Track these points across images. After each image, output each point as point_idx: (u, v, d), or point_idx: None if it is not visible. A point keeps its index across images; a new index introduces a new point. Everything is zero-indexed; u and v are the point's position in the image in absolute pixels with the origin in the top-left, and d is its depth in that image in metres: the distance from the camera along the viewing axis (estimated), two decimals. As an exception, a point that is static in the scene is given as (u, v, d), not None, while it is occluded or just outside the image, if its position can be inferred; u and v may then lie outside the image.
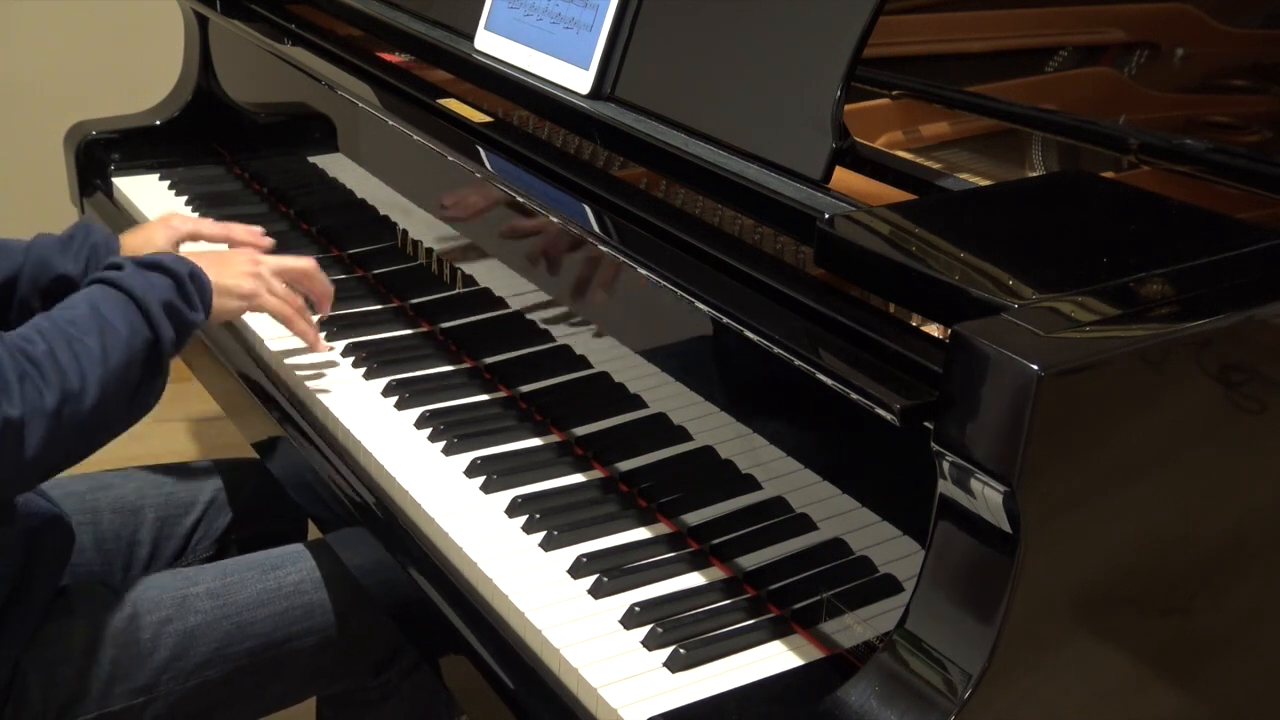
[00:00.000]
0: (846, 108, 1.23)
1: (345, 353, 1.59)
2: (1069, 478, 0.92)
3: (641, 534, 1.28)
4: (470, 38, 1.68)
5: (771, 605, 1.18)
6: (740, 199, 1.27)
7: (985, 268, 1.00)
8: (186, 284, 1.34)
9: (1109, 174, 1.41)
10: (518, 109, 1.59)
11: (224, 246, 1.63)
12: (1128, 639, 1.03)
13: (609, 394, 1.36)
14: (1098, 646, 1.00)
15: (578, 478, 1.36)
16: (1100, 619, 1.00)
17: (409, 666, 1.55)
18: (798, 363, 1.06)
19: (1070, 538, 0.95)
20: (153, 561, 1.60)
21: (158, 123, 2.24)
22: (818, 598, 1.13)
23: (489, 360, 1.55)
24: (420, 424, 1.45)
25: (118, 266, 1.32)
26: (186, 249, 1.60)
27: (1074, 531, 0.95)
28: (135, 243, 1.57)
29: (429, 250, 1.64)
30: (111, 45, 2.94)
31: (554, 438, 1.43)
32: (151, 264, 1.34)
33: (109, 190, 2.16)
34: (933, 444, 0.94)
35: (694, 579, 1.22)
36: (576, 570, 1.22)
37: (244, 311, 1.51)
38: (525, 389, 1.49)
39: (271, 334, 1.62)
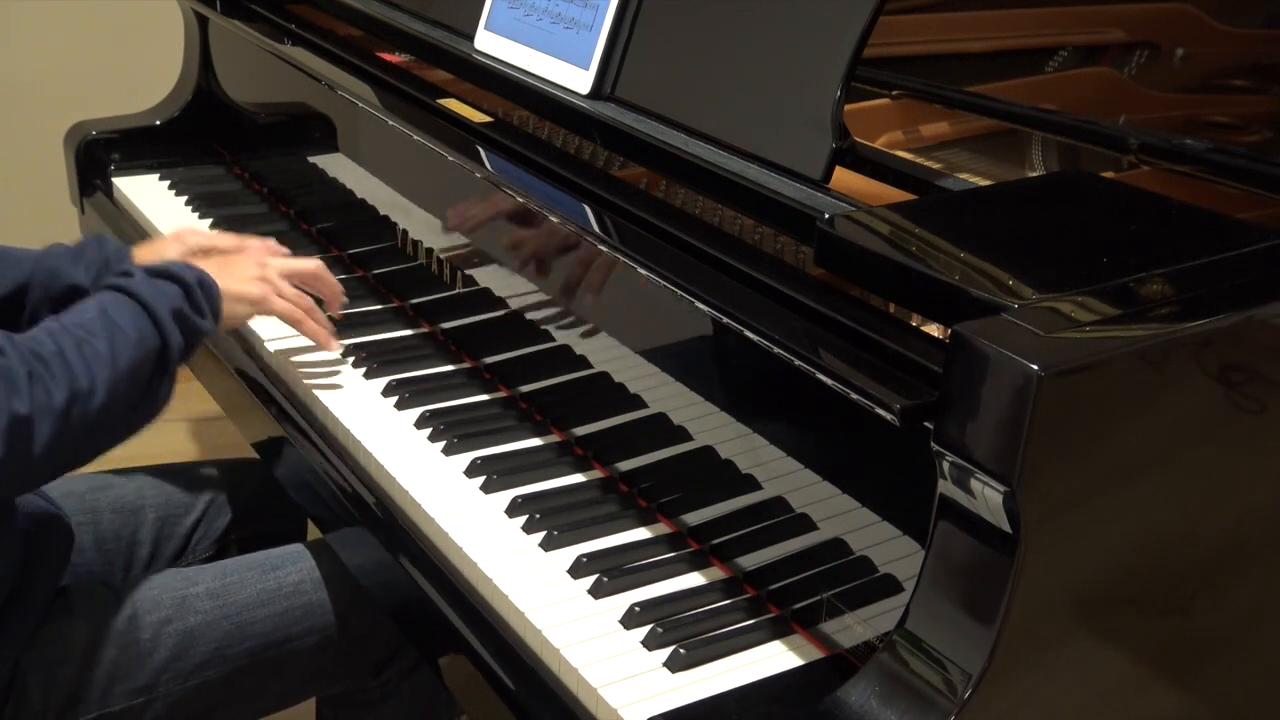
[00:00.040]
0: (846, 108, 1.23)
1: (345, 353, 1.59)
2: (1069, 478, 0.92)
3: (641, 534, 1.28)
4: (470, 38, 1.68)
5: (771, 605, 1.18)
6: (740, 199, 1.27)
7: (985, 268, 1.00)
8: (195, 291, 1.34)
9: (1109, 174, 1.41)
10: (518, 109, 1.59)
11: None
12: (1128, 639, 1.03)
13: (609, 394, 1.36)
14: (1098, 646, 1.00)
15: (578, 478, 1.36)
16: (1100, 619, 1.00)
17: (409, 666, 1.55)
18: (798, 363, 1.06)
19: (1070, 538, 0.95)
20: (153, 561, 1.60)
21: (158, 123, 2.24)
22: (818, 598, 1.13)
23: (489, 360, 1.55)
24: (420, 424, 1.45)
25: (128, 274, 1.33)
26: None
27: (1074, 531, 0.95)
28: (147, 256, 1.56)
29: (429, 250, 1.64)
30: (111, 45, 2.93)
31: (554, 438, 1.43)
32: (161, 272, 1.34)
33: (109, 190, 2.16)
34: (933, 444, 0.94)
35: (694, 579, 1.22)
36: (576, 570, 1.22)
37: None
38: (525, 389, 1.49)
39: (271, 334, 1.62)
